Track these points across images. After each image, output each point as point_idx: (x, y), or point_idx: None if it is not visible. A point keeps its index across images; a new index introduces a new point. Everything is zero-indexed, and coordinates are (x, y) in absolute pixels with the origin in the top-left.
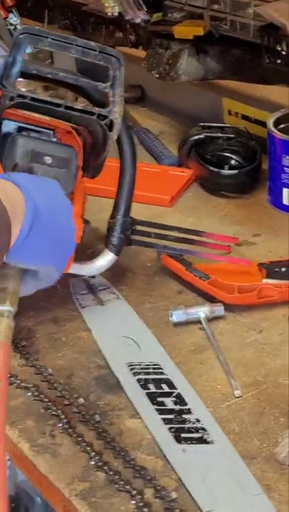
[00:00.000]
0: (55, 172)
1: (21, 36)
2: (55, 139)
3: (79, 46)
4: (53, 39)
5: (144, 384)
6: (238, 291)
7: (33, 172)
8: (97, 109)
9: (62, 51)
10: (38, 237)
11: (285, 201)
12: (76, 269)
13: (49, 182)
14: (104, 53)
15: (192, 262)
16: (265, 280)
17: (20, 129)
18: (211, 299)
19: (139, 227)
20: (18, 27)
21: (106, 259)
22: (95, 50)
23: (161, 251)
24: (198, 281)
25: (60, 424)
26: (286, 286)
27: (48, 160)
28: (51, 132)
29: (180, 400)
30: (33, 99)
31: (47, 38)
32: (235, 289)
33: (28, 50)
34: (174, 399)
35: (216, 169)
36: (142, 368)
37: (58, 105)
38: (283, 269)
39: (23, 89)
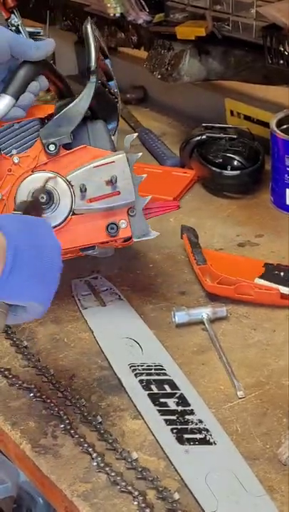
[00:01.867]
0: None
1: (91, 22)
2: None
3: None
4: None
5: (146, 385)
6: (219, 282)
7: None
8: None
9: None
10: (20, 276)
11: (287, 202)
12: None
13: (38, 221)
14: None
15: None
16: (258, 280)
17: None
18: (213, 300)
19: None
20: (20, 27)
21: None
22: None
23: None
24: (193, 263)
25: (62, 425)
26: (275, 290)
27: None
28: None
29: (182, 400)
30: (101, 83)
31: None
32: (218, 279)
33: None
34: (177, 400)
35: (218, 170)
36: (144, 369)
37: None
38: (282, 274)
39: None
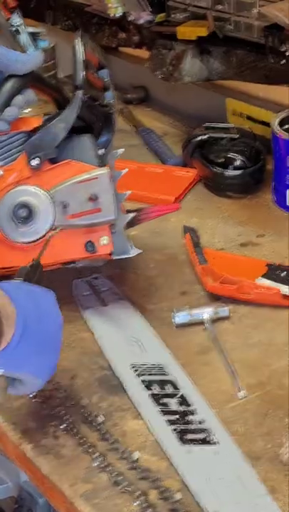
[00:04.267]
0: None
1: (83, 38)
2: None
3: None
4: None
5: (147, 385)
6: (220, 282)
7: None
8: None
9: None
10: (26, 347)
11: None
12: None
13: (44, 292)
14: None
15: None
16: (259, 280)
17: None
18: (215, 300)
19: None
20: (21, 28)
21: None
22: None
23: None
24: (196, 262)
25: (63, 425)
26: (277, 291)
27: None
28: None
29: (184, 401)
30: (90, 97)
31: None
32: (219, 279)
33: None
34: (178, 400)
35: (220, 170)
36: (145, 369)
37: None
38: (284, 274)
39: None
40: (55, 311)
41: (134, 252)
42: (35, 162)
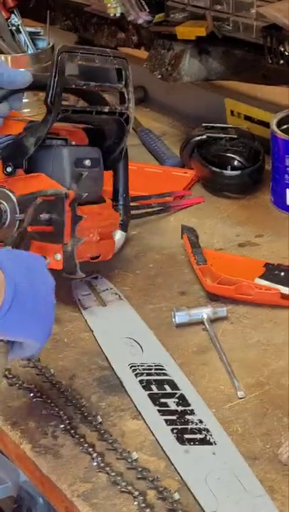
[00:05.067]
0: (93, 173)
1: (61, 55)
2: (74, 142)
3: (99, 55)
4: (81, 53)
5: (146, 385)
6: (219, 282)
7: (81, 177)
8: (119, 108)
9: (89, 63)
10: (18, 312)
11: (288, 202)
12: None
13: (33, 257)
14: (117, 57)
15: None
16: (258, 280)
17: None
18: (213, 300)
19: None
20: (20, 28)
21: (118, 237)
22: (109, 56)
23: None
24: (194, 263)
25: (62, 425)
26: (275, 291)
27: (88, 163)
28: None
29: (183, 400)
30: (74, 111)
31: (78, 52)
32: (218, 279)
33: (30, 52)
34: (177, 400)
35: (218, 170)
36: (144, 369)
37: (91, 112)
38: (282, 274)
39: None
40: (45, 274)
41: (79, 275)
42: (8, 169)
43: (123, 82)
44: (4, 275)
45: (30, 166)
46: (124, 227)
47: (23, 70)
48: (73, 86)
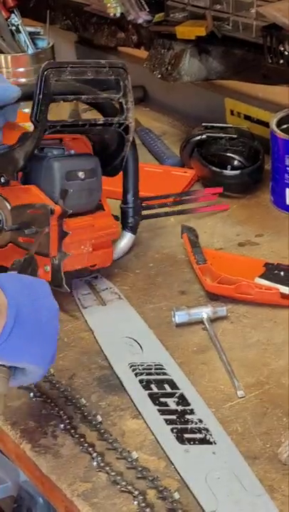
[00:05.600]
0: (88, 184)
1: (46, 72)
2: (73, 151)
3: (92, 67)
4: (71, 67)
5: (146, 384)
6: (219, 282)
7: (67, 193)
8: (116, 119)
9: (81, 77)
10: (20, 336)
11: (287, 201)
12: None
13: (38, 282)
14: (113, 67)
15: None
16: (258, 279)
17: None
18: (213, 300)
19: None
20: (20, 27)
21: (127, 239)
22: (105, 67)
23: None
24: (193, 262)
25: (62, 425)
26: (275, 290)
27: (82, 175)
28: (57, 141)
29: (183, 400)
30: (63, 126)
31: (66, 67)
32: (218, 279)
33: (30, 51)
34: (177, 399)
35: (218, 169)
36: (144, 369)
37: (84, 125)
38: (282, 273)
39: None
40: (49, 299)
41: (64, 289)
42: (2, 179)
43: (121, 92)
44: (7, 300)
45: (26, 175)
46: (133, 229)
47: (11, 85)
48: (61, 102)
